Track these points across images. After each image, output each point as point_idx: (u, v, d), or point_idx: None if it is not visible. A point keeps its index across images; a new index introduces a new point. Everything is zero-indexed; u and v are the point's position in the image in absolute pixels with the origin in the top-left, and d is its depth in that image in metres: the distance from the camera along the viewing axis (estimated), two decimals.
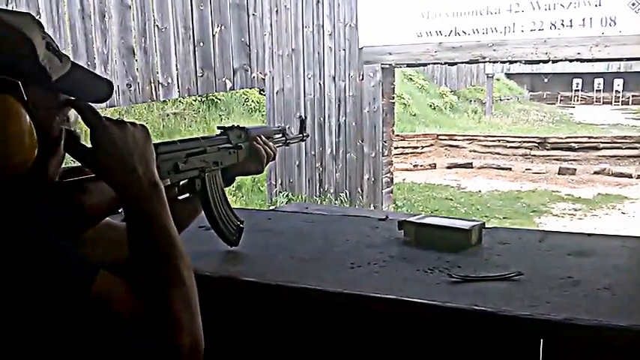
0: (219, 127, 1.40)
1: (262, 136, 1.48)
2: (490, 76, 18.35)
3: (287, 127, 1.74)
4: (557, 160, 12.03)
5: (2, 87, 0.81)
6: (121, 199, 0.95)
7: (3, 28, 0.86)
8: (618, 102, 22.85)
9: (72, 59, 0.96)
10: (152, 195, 0.95)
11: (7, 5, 5.24)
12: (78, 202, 0.95)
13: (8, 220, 0.82)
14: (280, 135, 1.61)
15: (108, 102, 6.26)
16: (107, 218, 1.21)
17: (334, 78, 7.66)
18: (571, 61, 6.60)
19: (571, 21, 6.22)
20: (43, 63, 0.88)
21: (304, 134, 1.75)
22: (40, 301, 0.79)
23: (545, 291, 1.12)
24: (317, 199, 7.91)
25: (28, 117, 0.83)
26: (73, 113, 0.98)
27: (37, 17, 0.97)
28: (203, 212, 1.37)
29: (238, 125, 1.44)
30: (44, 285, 0.79)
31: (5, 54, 0.85)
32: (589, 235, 1.54)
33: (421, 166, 12.34)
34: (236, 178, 1.50)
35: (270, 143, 1.50)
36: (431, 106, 16.77)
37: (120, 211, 1.60)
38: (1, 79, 0.81)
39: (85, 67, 1.01)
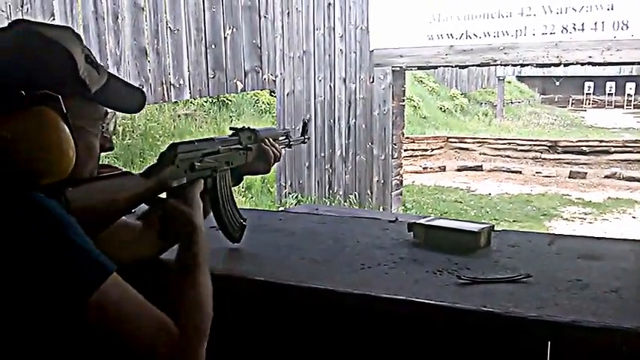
0: (231, 129, 1.44)
1: (270, 138, 1.53)
2: (501, 78, 18.28)
3: (291, 129, 1.78)
4: (567, 163, 11.97)
5: (43, 100, 0.85)
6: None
7: (45, 43, 0.91)
8: (630, 106, 22.67)
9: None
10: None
11: (22, 7, 5.30)
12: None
13: (11, 219, 0.82)
14: (284, 137, 1.67)
15: None
16: (122, 217, 1.23)
17: (345, 80, 7.67)
18: (582, 64, 6.57)
19: (583, 24, 6.20)
20: (83, 76, 0.93)
21: (305, 137, 1.80)
22: (36, 301, 0.79)
23: (553, 293, 1.13)
24: (326, 200, 7.92)
25: (67, 128, 0.87)
26: (112, 123, 1.04)
27: (72, 27, 1.01)
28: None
29: (249, 127, 1.48)
30: (41, 283, 0.79)
31: (48, 68, 0.90)
32: (598, 238, 1.55)
33: (431, 168, 12.32)
34: (244, 177, 1.53)
35: (277, 145, 1.55)
36: (441, 108, 16.74)
37: (133, 210, 1.63)
38: (43, 94, 0.85)
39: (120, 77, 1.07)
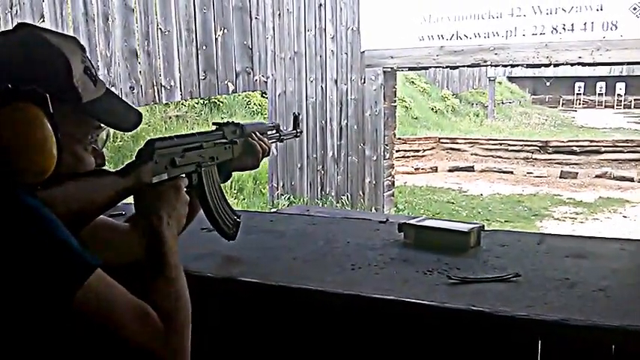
0: (214, 124, 1.42)
1: (257, 132, 1.51)
2: (492, 79, 18.35)
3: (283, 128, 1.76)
4: (558, 163, 12.03)
5: (29, 97, 0.84)
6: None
7: (46, 46, 0.93)
8: (620, 106, 22.82)
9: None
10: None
11: (11, 9, 5.27)
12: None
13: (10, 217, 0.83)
14: (274, 131, 1.64)
15: None
16: (107, 219, 1.23)
17: (336, 81, 7.68)
18: (572, 64, 6.61)
19: (572, 25, 6.24)
20: (76, 84, 0.94)
21: (298, 130, 1.77)
22: (26, 298, 0.80)
23: (541, 292, 1.14)
24: (318, 202, 7.92)
25: (51, 128, 0.86)
26: (104, 134, 1.05)
27: (77, 38, 1.02)
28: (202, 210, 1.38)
29: (233, 121, 1.45)
30: (29, 280, 0.80)
31: (42, 70, 0.92)
32: (587, 237, 1.57)
33: (422, 169, 12.34)
34: (232, 173, 1.50)
35: (265, 139, 1.53)
36: (433, 109, 16.78)
37: (123, 213, 1.63)
38: (30, 90, 0.84)
39: (119, 95, 1.07)
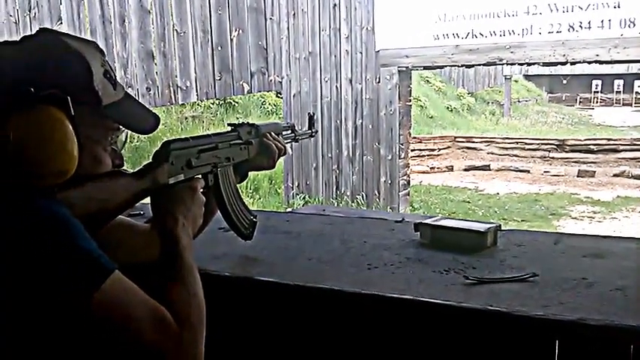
0: (229, 124, 1.43)
1: (272, 133, 1.51)
2: (508, 77, 18.22)
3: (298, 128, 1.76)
4: (576, 162, 11.91)
5: (51, 100, 0.86)
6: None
7: (66, 50, 0.95)
8: (638, 104, 22.55)
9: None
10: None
11: (30, 11, 5.34)
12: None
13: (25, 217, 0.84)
14: (289, 131, 1.64)
15: None
16: (125, 219, 1.25)
17: (351, 81, 7.68)
18: (589, 62, 6.55)
19: (589, 22, 6.18)
20: (97, 87, 0.96)
21: (313, 130, 1.78)
22: (41, 302, 0.82)
23: (558, 292, 1.14)
24: (333, 201, 7.93)
25: (72, 130, 0.87)
26: (122, 136, 1.06)
27: (96, 42, 1.04)
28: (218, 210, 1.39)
29: (248, 122, 1.46)
30: (45, 285, 0.81)
31: (63, 73, 0.93)
32: (604, 237, 1.56)
33: (438, 168, 12.30)
34: (249, 173, 1.51)
35: (280, 139, 1.53)
36: (448, 108, 16.70)
37: (142, 212, 1.65)
38: (51, 93, 0.86)
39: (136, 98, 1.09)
